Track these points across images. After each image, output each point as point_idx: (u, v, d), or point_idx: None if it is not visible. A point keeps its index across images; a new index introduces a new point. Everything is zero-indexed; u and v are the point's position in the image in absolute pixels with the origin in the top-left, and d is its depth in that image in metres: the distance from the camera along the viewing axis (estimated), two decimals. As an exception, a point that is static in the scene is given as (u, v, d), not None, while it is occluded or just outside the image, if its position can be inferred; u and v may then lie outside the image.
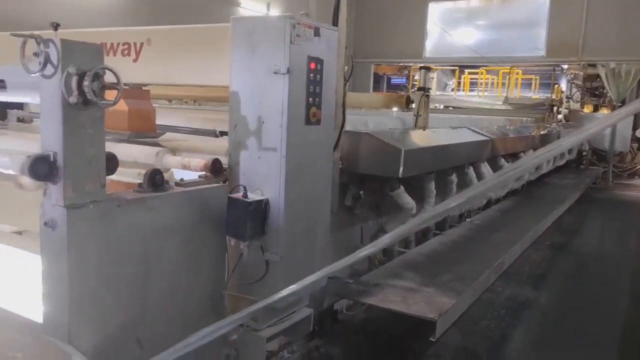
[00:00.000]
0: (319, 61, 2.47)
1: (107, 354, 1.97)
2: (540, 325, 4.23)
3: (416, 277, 3.42)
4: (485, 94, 13.41)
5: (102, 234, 1.91)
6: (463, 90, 14.12)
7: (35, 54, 1.71)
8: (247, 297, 2.53)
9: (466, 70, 13.96)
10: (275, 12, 17.09)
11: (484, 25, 13.33)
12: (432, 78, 15.31)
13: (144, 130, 2.91)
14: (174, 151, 2.72)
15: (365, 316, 3.76)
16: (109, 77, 1.81)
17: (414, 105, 4.71)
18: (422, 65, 4.93)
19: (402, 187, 3.40)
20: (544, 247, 6.17)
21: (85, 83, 1.72)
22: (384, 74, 16.76)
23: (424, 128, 4.21)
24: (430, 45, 13.62)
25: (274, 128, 2.37)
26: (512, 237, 4.54)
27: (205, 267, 2.42)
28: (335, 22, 3.06)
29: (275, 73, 2.31)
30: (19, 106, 3.44)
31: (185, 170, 2.58)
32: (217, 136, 3.13)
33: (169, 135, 3.14)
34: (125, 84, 1.92)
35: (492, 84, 14.00)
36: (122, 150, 2.41)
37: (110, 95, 1.82)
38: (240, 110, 2.44)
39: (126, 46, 2.83)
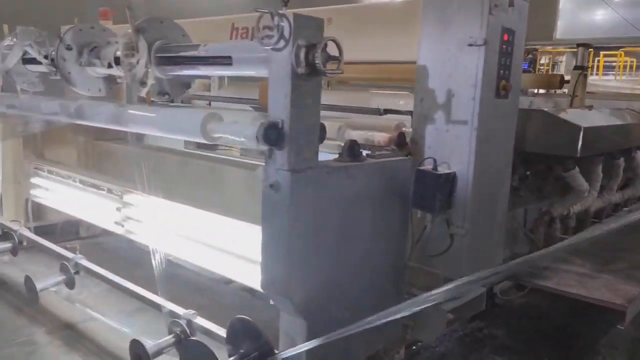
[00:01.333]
0: (511, 32, 2.41)
1: (315, 313, 2.10)
2: None
3: (586, 263, 3.25)
4: (623, 77, 12.30)
5: (314, 197, 2.03)
6: (596, 74, 13.04)
7: (269, 28, 1.84)
8: (428, 269, 2.57)
9: (601, 53, 12.85)
10: None
11: (625, 3, 12.16)
12: (561, 62, 14.33)
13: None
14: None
15: (524, 301, 3.64)
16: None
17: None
18: (580, 42, 4.63)
19: (577, 168, 3.22)
20: None
21: (316, 54, 1.82)
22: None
23: (590, 107, 3.95)
24: (562, 26, 12.70)
25: (465, 101, 2.36)
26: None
27: (390, 238, 2.48)
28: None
29: (470, 45, 2.30)
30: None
31: (367, 144, 2.66)
32: (381, 114, 3.18)
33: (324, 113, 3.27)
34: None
35: (631, 67, 12.79)
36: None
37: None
38: (428, 83, 2.46)
39: (307, 26, 2.96)
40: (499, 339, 3.21)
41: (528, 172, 3.36)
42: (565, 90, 4.91)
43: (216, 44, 2.21)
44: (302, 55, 1.84)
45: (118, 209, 3.31)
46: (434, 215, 2.40)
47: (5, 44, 3.36)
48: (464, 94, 2.35)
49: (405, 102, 3.18)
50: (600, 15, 12.59)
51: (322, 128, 2.10)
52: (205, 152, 4.15)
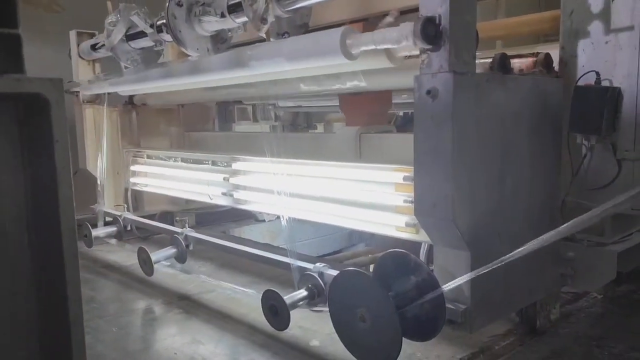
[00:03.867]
0: None
1: (479, 245, 1.84)
2: None
3: None
4: None
5: (475, 107, 1.79)
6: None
7: None
8: (591, 204, 2.23)
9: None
10: None
11: None
12: None
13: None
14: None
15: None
16: None
17: None
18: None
19: None
20: None
21: None
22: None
23: None
24: None
25: (628, 2, 2.06)
26: None
27: (546, 167, 2.19)
28: None
29: (633, -64, 2.01)
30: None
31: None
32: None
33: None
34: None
35: None
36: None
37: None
38: (578, -8, 2.18)
39: None
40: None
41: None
42: None
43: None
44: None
45: (225, 179, 3.20)
46: (599, 138, 2.08)
47: (109, 21, 3.37)
48: (626, -5, 2.06)
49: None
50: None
51: (476, 32, 1.87)
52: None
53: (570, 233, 1.90)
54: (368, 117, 2.99)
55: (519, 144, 2.03)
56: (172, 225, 4.68)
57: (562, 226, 1.80)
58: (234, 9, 2.52)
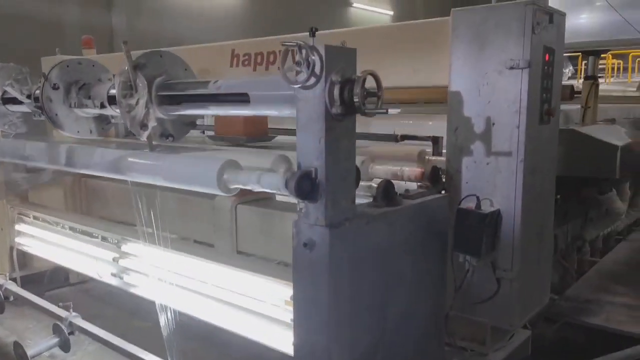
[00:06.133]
0: (551, 52, 2.18)
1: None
2: None
3: (628, 291, 3.02)
4: (612, 80, 12.25)
5: (353, 252, 1.76)
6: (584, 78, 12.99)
7: (298, 63, 1.58)
8: (472, 318, 2.30)
9: (589, 56, 12.83)
10: (383, 7, 16.96)
11: (610, 5, 12.17)
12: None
13: (259, 135, 2.92)
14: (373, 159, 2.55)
15: (559, 335, 3.38)
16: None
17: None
18: (587, 49, 4.44)
19: (614, 190, 3.00)
20: None
21: (354, 91, 1.56)
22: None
23: (612, 121, 3.75)
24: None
25: (507, 130, 2.11)
26: None
27: (430, 286, 2.21)
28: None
29: (512, 68, 2.06)
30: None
31: (395, 180, 2.40)
32: (397, 140, 2.92)
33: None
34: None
35: (619, 69, 12.75)
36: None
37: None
38: (463, 111, 2.21)
39: (316, 51, 2.70)
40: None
41: (559, 196, 3.13)
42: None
43: (230, 79, 1.95)
44: (336, 92, 1.58)
45: (115, 260, 3.00)
46: (479, 259, 2.14)
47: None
48: (506, 121, 2.11)
49: (423, 125, 2.93)
50: (584, 20, 12.63)
51: (357, 171, 1.84)
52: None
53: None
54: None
55: (404, 269, 2.03)
56: (67, 279, 4.41)
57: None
58: (114, 100, 2.34)
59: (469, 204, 2.14)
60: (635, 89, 10.56)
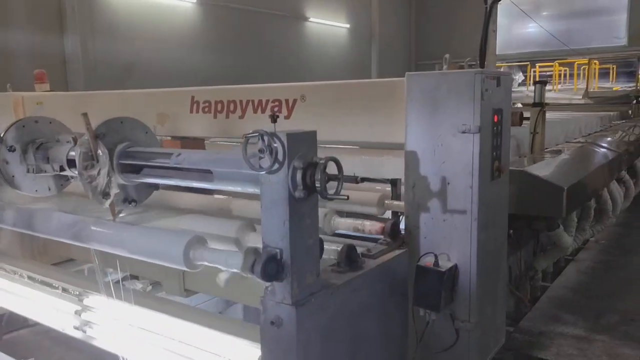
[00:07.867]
0: (500, 112, 2.31)
1: None
2: None
3: (578, 320, 3.20)
4: (559, 87, 12.82)
5: (320, 325, 1.82)
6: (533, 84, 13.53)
7: (261, 151, 1.63)
8: (434, 366, 2.40)
9: (537, 64, 13.38)
10: (339, 20, 16.88)
11: (556, 16, 12.73)
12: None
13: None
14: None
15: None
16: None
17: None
18: (537, 80, 4.66)
19: (561, 227, 3.18)
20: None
21: (315, 176, 1.62)
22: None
23: (558, 152, 3.95)
24: (498, 42, 13.13)
25: (461, 189, 2.22)
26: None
27: (393, 339, 2.30)
28: (482, 62, 2.91)
29: (464, 132, 2.17)
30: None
31: (356, 233, 2.48)
32: (357, 182, 2.99)
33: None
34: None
35: (566, 76, 13.35)
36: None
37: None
38: (419, 170, 2.31)
39: (276, 103, 2.75)
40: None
41: (511, 231, 3.29)
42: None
43: (192, 152, 1.98)
44: (299, 177, 1.64)
45: (77, 313, 2.95)
46: (438, 313, 2.24)
47: None
48: (460, 181, 2.22)
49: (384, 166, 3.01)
50: (533, 29, 13.14)
51: (321, 242, 1.90)
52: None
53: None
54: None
55: (369, 329, 2.11)
56: (26, 320, 4.28)
57: None
58: (74, 164, 2.32)
59: (428, 259, 2.24)
60: (581, 97, 11.12)
